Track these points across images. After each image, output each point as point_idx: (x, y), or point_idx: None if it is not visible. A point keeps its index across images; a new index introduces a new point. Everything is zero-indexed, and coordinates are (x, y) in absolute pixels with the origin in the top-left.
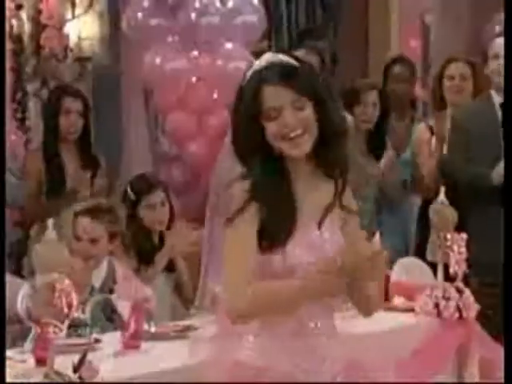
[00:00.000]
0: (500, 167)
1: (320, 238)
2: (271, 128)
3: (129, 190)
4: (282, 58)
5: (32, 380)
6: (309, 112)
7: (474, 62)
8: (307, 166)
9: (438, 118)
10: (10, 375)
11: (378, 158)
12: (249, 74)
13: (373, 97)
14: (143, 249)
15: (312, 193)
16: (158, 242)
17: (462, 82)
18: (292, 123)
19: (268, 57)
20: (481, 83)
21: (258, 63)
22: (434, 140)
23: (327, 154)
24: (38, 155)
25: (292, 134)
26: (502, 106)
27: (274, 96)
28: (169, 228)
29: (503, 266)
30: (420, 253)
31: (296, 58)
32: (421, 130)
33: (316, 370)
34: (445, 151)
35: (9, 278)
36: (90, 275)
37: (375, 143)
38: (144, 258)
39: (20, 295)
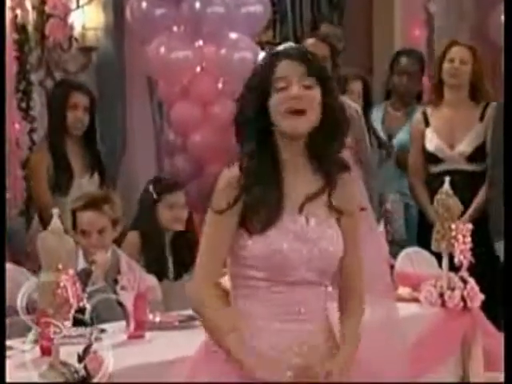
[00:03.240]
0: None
1: (305, 227)
2: (277, 99)
3: (151, 188)
4: (300, 45)
5: (38, 370)
6: (316, 93)
7: (474, 48)
8: (301, 158)
9: (436, 106)
10: (16, 364)
11: None
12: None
13: (358, 86)
14: (153, 248)
15: (302, 184)
16: (170, 244)
17: (460, 65)
18: (298, 96)
19: (289, 43)
20: (479, 69)
21: (280, 47)
22: (428, 130)
23: (323, 145)
24: (44, 148)
25: (297, 107)
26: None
27: (287, 68)
28: (187, 228)
29: (504, 265)
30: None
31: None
32: (416, 118)
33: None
34: None
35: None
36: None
37: None
38: (153, 256)
39: (21, 293)
